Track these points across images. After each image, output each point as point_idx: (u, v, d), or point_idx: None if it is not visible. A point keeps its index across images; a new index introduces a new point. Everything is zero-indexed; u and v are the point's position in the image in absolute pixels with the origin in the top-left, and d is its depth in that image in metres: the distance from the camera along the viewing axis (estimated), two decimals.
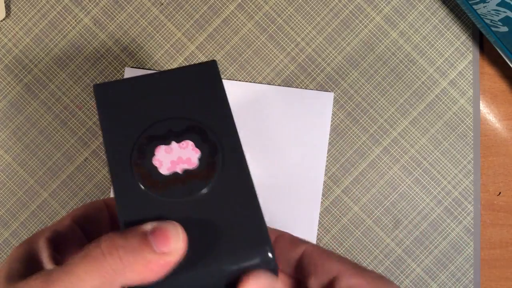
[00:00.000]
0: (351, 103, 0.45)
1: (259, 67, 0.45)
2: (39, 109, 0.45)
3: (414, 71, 0.45)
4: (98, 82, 0.26)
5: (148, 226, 0.22)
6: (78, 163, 0.44)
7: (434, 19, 0.46)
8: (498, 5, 0.39)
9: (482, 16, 0.42)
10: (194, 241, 0.23)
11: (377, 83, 0.45)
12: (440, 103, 0.45)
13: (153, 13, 0.45)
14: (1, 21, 0.45)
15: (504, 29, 0.41)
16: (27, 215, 0.44)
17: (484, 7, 0.41)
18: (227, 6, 0.45)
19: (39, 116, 0.45)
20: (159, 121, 0.26)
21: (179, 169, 0.25)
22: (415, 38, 0.46)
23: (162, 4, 0.45)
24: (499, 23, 0.41)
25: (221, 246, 0.23)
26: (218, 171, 0.25)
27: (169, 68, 0.45)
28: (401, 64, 0.45)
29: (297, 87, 0.45)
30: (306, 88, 0.45)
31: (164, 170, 0.25)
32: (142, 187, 0.24)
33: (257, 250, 0.23)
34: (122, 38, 0.45)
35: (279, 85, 0.45)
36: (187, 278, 0.22)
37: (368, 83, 0.45)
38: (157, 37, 0.45)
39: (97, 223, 0.28)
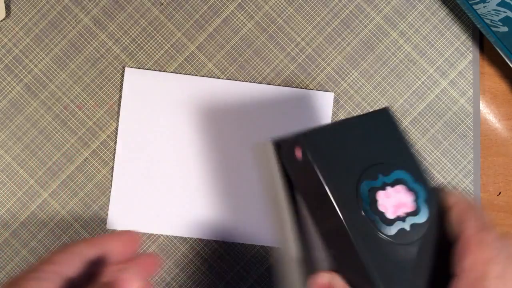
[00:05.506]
0: (351, 103, 0.45)
1: (259, 67, 0.45)
2: (39, 109, 0.45)
3: (414, 71, 0.45)
4: (303, 133, 0.28)
5: None
6: (78, 163, 0.44)
7: (434, 19, 0.46)
8: (498, 5, 0.39)
9: (482, 16, 0.42)
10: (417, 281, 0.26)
11: (377, 83, 0.45)
12: (440, 103, 0.45)
13: (153, 13, 0.45)
14: (1, 21, 0.45)
15: (504, 29, 0.41)
16: (27, 215, 0.44)
17: (484, 7, 0.41)
18: (227, 6, 0.45)
19: (39, 116, 0.45)
20: (367, 168, 0.28)
21: (401, 212, 0.27)
22: (415, 38, 0.45)
23: (162, 4, 0.45)
24: (499, 23, 0.41)
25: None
26: (431, 212, 0.27)
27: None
28: (401, 64, 0.45)
29: (297, 87, 0.45)
30: (306, 88, 0.45)
31: (390, 214, 0.26)
32: (381, 234, 0.26)
33: None
34: (122, 38, 0.45)
35: (279, 85, 0.45)
36: None
37: (368, 83, 0.45)
38: (157, 37, 0.45)
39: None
